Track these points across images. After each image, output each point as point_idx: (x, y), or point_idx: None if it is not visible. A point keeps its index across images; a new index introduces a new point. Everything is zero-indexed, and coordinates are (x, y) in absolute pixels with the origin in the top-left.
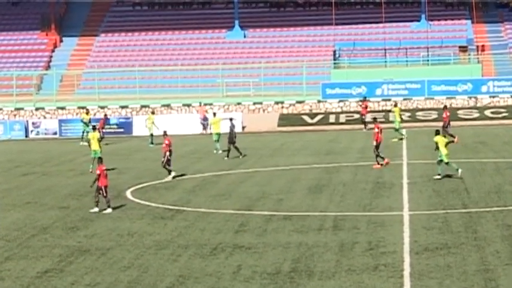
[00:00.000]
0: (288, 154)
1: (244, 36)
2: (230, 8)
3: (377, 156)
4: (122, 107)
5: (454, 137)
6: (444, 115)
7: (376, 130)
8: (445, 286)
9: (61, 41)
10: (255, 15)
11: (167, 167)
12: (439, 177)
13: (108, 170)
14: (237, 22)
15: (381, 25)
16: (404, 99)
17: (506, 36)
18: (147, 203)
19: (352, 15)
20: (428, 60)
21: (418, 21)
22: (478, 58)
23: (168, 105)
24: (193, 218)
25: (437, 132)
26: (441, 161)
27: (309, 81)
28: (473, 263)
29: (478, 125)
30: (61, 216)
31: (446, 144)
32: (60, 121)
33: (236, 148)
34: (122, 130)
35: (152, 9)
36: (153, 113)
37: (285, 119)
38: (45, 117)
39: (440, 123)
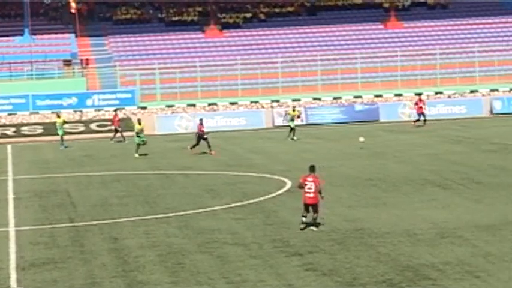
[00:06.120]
0: None
1: None
2: None
3: None
4: None
5: None
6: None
7: None
8: None
9: None
10: None
11: None
12: None
13: None
14: None
15: None
16: (9, 115)
17: (110, 49)
18: None
19: None
20: (32, 75)
21: (22, 35)
22: (82, 72)
23: None
24: None
25: None
26: None
27: None
28: (80, 276)
29: (84, 139)
30: None
31: None
32: None
33: None
34: None
35: None
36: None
37: None
38: None
39: (47, 138)
